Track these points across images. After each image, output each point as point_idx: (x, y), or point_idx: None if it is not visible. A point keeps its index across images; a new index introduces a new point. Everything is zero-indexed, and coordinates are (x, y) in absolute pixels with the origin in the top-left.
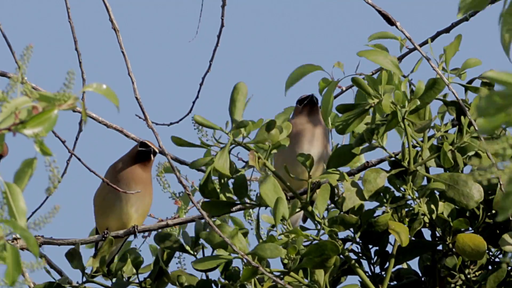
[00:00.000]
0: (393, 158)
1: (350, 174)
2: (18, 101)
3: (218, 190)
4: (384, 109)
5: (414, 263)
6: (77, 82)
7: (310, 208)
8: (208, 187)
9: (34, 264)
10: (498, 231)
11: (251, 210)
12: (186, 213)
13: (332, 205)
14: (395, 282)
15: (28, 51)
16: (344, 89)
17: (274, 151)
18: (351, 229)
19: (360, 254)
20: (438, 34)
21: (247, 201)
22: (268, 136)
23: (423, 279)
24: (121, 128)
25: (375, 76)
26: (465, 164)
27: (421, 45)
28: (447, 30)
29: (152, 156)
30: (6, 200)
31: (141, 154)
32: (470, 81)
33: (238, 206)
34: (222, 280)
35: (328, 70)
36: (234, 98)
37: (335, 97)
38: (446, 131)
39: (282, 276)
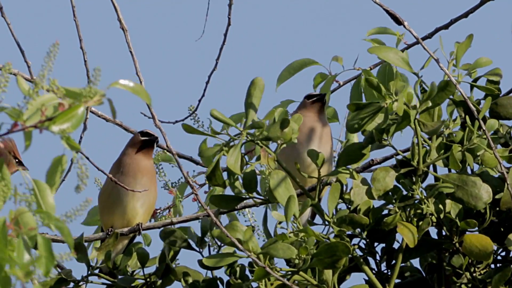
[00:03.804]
0: (400, 157)
1: (355, 171)
2: (44, 98)
3: (227, 182)
4: (398, 111)
5: (416, 262)
6: (83, 81)
7: (319, 205)
8: (216, 175)
9: (64, 255)
10: (502, 229)
11: (247, 209)
12: (181, 201)
13: (339, 200)
14: (398, 280)
15: (54, 48)
16: (341, 83)
17: (283, 145)
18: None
19: (366, 251)
20: (437, 30)
21: (256, 196)
22: (281, 134)
23: (426, 277)
24: (120, 122)
25: (373, 71)
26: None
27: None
28: (446, 26)
29: (155, 144)
30: (35, 197)
31: (146, 143)
32: (476, 79)
33: (245, 202)
34: (234, 280)
35: (326, 67)
36: (250, 93)
37: (333, 91)
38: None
39: (290, 274)
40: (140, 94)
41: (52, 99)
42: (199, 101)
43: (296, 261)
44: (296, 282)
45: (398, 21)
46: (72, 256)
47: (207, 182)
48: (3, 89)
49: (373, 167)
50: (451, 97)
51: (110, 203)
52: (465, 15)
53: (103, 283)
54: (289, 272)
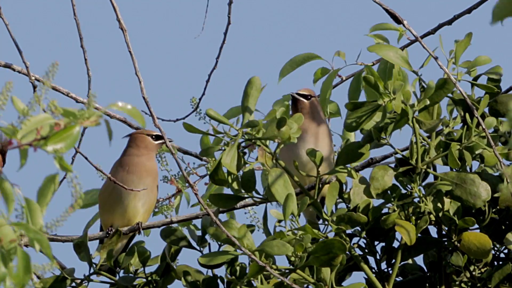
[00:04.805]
0: (400, 156)
1: (355, 170)
2: (39, 118)
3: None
4: (396, 109)
5: (419, 259)
6: (83, 80)
7: (318, 204)
8: (218, 174)
9: (46, 266)
10: (503, 227)
11: (249, 208)
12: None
13: (339, 200)
14: (400, 278)
15: (53, 68)
16: (344, 78)
17: (282, 145)
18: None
19: (366, 250)
20: (440, 26)
21: (255, 195)
22: (278, 133)
23: (428, 275)
24: (123, 118)
25: (375, 67)
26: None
27: (423, 37)
28: (449, 22)
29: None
30: (26, 216)
31: (159, 146)
32: (476, 78)
33: (246, 201)
34: (229, 276)
35: (329, 62)
36: (247, 92)
37: (335, 86)
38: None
39: (288, 272)
40: (136, 117)
41: (47, 119)
42: (200, 100)
43: (293, 258)
44: (294, 280)
45: (398, 20)
46: (54, 267)
47: (210, 181)
48: (2, 107)
49: (372, 166)
50: (450, 95)
51: (111, 202)
52: (468, 11)
53: (103, 282)
54: (286, 270)
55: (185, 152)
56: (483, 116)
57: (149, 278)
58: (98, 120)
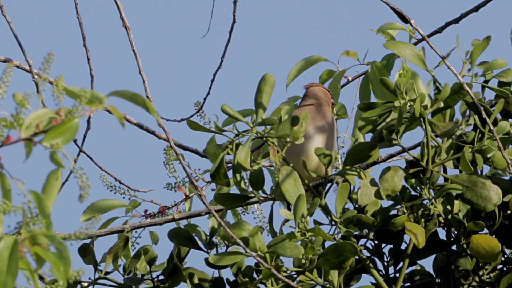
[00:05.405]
0: (410, 158)
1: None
2: (39, 113)
3: (231, 180)
4: (416, 113)
5: (428, 264)
6: (86, 79)
7: (326, 205)
8: (220, 173)
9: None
10: None
11: (256, 205)
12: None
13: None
14: (408, 284)
15: (49, 58)
16: (350, 79)
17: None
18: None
19: (374, 252)
20: (447, 24)
21: (262, 194)
22: (290, 131)
23: (437, 280)
24: (124, 114)
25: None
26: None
27: (430, 36)
28: (457, 21)
29: None
30: (37, 210)
31: None
32: (487, 81)
33: (252, 199)
34: (242, 278)
35: (334, 63)
36: (261, 89)
37: (342, 87)
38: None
39: (296, 274)
40: (138, 102)
41: (47, 113)
42: (204, 99)
43: (303, 261)
44: (298, 281)
45: (405, 19)
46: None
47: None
48: (2, 94)
49: (378, 165)
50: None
51: None
52: (476, 9)
53: (109, 285)
54: (295, 272)
55: (185, 149)
56: (496, 120)
57: (156, 282)
58: (103, 104)
